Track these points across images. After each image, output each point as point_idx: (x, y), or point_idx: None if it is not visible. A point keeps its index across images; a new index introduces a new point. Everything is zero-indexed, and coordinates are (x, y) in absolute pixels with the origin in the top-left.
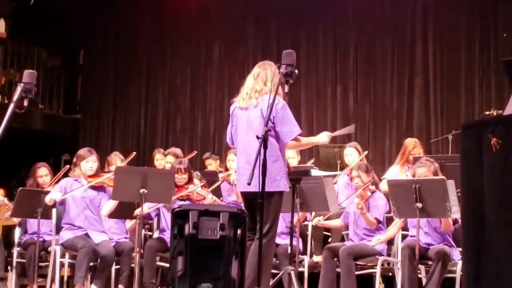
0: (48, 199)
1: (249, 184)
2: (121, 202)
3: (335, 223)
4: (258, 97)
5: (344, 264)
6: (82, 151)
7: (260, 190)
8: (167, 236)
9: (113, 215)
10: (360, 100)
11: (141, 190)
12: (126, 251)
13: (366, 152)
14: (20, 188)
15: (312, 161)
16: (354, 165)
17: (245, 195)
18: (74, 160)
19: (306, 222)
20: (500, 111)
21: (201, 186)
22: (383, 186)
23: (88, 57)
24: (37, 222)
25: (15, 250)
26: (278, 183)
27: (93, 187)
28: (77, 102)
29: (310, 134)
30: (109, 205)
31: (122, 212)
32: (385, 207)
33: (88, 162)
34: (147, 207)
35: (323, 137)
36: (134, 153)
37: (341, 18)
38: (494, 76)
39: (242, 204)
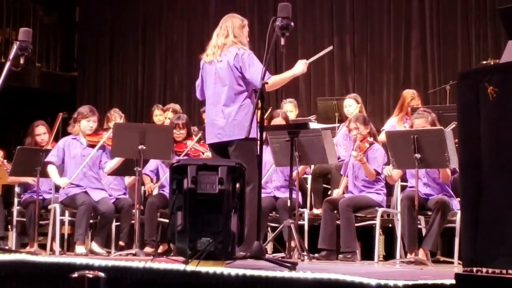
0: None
1: (247, 136)
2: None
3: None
4: (221, 53)
5: (343, 216)
6: (84, 109)
7: (258, 137)
8: (167, 192)
9: (113, 172)
10: (357, 53)
11: (140, 147)
12: (126, 207)
13: (359, 105)
14: (18, 147)
15: (314, 116)
16: (352, 117)
17: (215, 146)
18: (75, 116)
19: (305, 175)
20: (497, 61)
21: (199, 143)
22: (382, 138)
23: (84, 14)
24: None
25: (15, 209)
26: (249, 129)
27: (93, 146)
28: (74, 60)
29: (308, 86)
30: (113, 163)
31: (121, 168)
32: (384, 158)
33: (89, 121)
34: (148, 169)
35: (299, 67)
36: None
37: None
38: (490, 26)
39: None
